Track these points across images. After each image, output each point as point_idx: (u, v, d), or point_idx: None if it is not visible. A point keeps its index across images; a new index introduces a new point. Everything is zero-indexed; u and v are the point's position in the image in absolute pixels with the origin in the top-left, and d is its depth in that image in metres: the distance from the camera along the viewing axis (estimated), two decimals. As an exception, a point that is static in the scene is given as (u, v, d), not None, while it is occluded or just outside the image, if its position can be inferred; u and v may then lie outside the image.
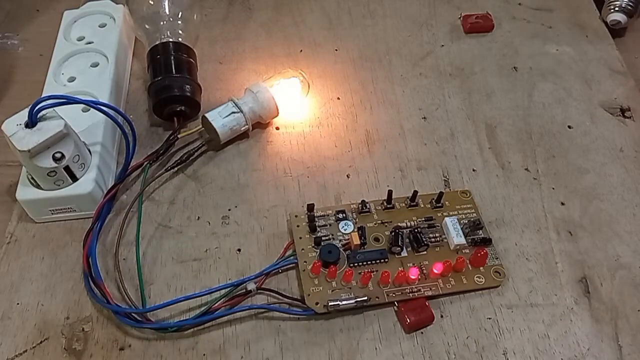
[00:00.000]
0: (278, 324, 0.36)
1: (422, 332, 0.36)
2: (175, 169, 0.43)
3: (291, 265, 0.38)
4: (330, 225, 0.39)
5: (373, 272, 0.37)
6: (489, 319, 0.36)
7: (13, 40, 0.54)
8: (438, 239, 0.39)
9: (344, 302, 0.35)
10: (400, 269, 0.36)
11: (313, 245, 0.38)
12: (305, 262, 0.37)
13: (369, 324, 0.36)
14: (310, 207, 0.39)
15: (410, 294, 0.36)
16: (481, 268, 0.37)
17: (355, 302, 0.35)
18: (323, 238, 0.38)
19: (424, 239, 0.38)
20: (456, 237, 0.38)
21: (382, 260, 0.37)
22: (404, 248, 0.38)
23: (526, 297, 0.37)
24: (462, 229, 0.38)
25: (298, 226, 0.39)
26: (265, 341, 0.35)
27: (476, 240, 0.38)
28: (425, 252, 0.38)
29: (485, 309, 0.36)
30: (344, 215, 0.39)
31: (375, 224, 0.39)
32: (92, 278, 0.37)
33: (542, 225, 0.40)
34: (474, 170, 0.43)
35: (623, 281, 0.38)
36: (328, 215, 0.39)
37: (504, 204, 0.41)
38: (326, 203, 0.41)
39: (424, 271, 0.37)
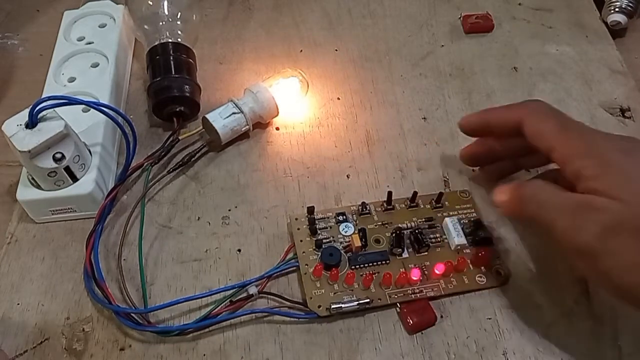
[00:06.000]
0: (278, 324, 0.36)
1: (422, 333, 0.36)
2: (177, 170, 0.43)
3: (292, 269, 0.38)
4: (330, 227, 0.39)
5: (375, 274, 0.37)
6: (489, 319, 0.36)
7: (13, 40, 0.54)
8: (439, 239, 0.39)
9: (346, 305, 0.35)
10: (401, 270, 0.37)
11: (314, 248, 0.38)
12: (307, 265, 0.37)
13: (369, 324, 0.36)
14: (311, 210, 0.39)
15: (413, 295, 0.36)
16: (482, 268, 0.37)
17: (358, 304, 0.35)
18: (324, 241, 0.38)
19: (424, 240, 0.38)
20: (457, 238, 0.38)
21: (384, 262, 0.37)
22: (405, 249, 0.38)
23: (526, 297, 0.37)
24: (462, 229, 0.38)
25: (298, 229, 0.39)
26: (265, 342, 0.35)
27: (477, 240, 0.38)
28: (426, 253, 0.38)
29: (485, 309, 0.36)
30: (345, 217, 0.39)
31: (375, 225, 0.39)
32: (95, 279, 0.37)
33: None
34: (473, 170, 0.43)
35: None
36: (328, 217, 0.39)
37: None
38: (326, 203, 0.42)
39: (426, 272, 0.37)
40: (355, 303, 0.35)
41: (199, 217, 0.41)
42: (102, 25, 0.50)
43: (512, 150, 0.38)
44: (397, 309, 0.36)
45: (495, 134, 0.38)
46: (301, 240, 0.38)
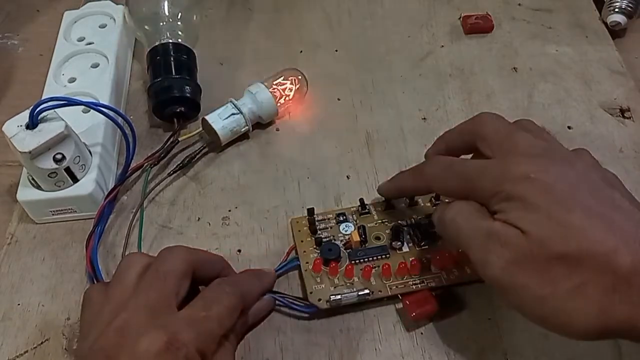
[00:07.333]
0: (278, 324, 0.36)
1: (421, 333, 0.36)
2: (177, 172, 0.43)
3: (293, 269, 0.38)
4: (331, 227, 0.39)
5: (374, 267, 0.37)
6: (489, 319, 0.36)
7: (13, 40, 0.54)
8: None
9: (346, 296, 0.35)
10: (401, 261, 0.36)
11: (314, 246, 0.38)
12: (307, 262, 0.37)
13: (369, 324, 0.36)
14: (311, 211, 0.39)
15: (414, 286, 0.36)
16: None
17: (358, 296, 0.35)
18: (324, 239, 0.38)
19: (424, 234, 0.38)
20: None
21: (384, 256, 0.37)
22: (405, 243, 0.38)
23: (526, 297, 0.37)
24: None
25: (299, 230, 0.39)
26: (265, 341, 0.35)
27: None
28: (426, 247, 0.38)
29: (485, 309, 0.36)
30: (345, 217, 0.39)
31: (375, 223, 0.39)
32: (96, 280, 0.37)
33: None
34: (473, 171, 0.43)
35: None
36: (329, 219, 0.39)
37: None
38: (326, 204, 0.42)
39: (426, 264, 0.37)
40: (355, 295, 0.35)
41: (199, 218, 0.41)
42: (102, 26, 0.50)
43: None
44: (397, 305, 0.36)
45: (406, 195, 0.40)
46: (302, 241, 0.38)
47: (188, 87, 0.44)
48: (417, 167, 0.36)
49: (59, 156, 0.37)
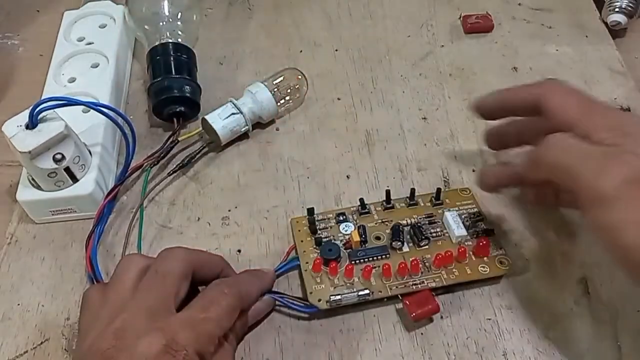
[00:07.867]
0: (278, 324, 0.36)
1: (422, 333, 0.36)
2: (177, 172, 0.43)
3: (293, 269, 0.38)
4: (331, 227, 0.39)
5: (375, 267, 0.37)
6: (489, 319, 0.36)
7: (13, 40, 0.54)
8: (439, 233, 0.38)
9: (345, 297, 0.35)
10: (401, 261, 0.36)
11: (314, 246, 0.38)
12: (307, 262, 0.37)
13: (369, 324, 0.36)
14: (311, 211, 0.39)
15: (414, 287, 0.36)
16: (485, 258, 0.37)
17: (358, 296, 0.35)
18: (324, 239, 0.38)
19: (424, 233, 0.38)
20: (457, 229, 0.38)
21: (384, 256, 0.37)
22: (405, 243, 0.38)
23: (526, 297, 0.37)
24: (462, 222, 0.38)
25: (299, 230, 0.39)
26: (265, 342, 0.35)
27: (478, 232, 0.38)
28: (427, 247, 0.38)
29: (485, 309, 0.36)
30: (345, 217, 0.39)
31: (375, 223, 0.39)
32: (96, 280, 0.37)
33: (542, 226, 0.40)
34: (474, 170, 0.43)
35: (623, 281, 0.37)
36: (329, 218, 0.39)
37: (504, 205, 0.41)
38: (326, 204, 0.42)
39: (427, 264, 0.37)
40: (355, 295, 0.35)
41: (198, 218, 0.41)
42: (102, 26, 0.50)
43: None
44: (397, 306, 0.36)
45: (510, 114, 0.38)
46: (302, 241, 0.38)
47: (188, 87, 0.44)
48: (530, 84, 0.37)
49: (58, 156, 0.37)
